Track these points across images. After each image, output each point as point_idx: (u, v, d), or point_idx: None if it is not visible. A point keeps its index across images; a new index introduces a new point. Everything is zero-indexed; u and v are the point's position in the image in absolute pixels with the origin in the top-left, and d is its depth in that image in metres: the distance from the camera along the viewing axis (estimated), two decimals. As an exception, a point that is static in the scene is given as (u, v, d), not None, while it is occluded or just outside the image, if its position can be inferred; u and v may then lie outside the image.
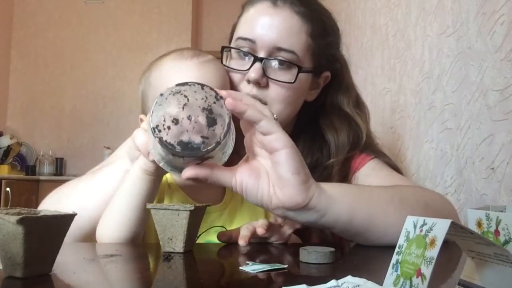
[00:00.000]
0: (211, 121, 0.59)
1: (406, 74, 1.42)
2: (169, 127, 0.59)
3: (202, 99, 0.60)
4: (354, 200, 0.70)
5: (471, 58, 0.97)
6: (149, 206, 0.67)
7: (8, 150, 4.63)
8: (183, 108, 0.59)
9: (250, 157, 0.67)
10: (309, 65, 0.90)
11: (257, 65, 0.85)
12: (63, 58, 5.09)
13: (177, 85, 0.61)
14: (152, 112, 0.59)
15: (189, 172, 0.61)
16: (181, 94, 0.60)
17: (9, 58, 5.08)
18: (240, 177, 0.64)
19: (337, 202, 0.67)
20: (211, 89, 0.61)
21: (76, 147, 5.00)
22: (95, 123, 5.03)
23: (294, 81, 0.86)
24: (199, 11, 5.52)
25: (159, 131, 0.58)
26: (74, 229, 0.55)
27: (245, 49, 0.88)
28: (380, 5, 1.78)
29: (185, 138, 0.59)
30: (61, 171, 4.82)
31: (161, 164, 0.65)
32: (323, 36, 0.91)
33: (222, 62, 0.92)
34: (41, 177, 4.51)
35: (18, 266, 0.46)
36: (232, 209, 0.88)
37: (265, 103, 0.87)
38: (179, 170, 0.64)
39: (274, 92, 0.87)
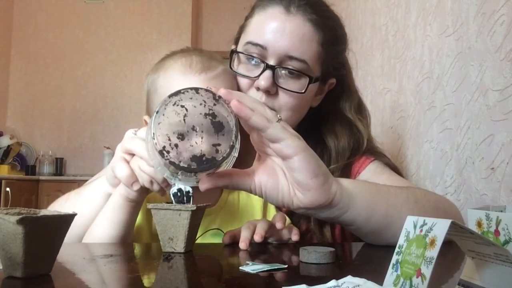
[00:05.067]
0: (218, 126, 0.56)
1: (406, 74, 1.42)
2: (176, 145, 0.55)
3: (201, 104, 0.56)
4: (373, 198, 0.69)
5: (471, 58, 0.97)
6: (149, 206, 0.66)
7: (8, 150, 4.63)
8: (184, 120, 0.56)
9: (262, 157, 0.65)
10: (317, 73, 0.89)
11: (268, 73, 0.84)
12: (63, 58, 5.09)
13: (170, 96, 0.56)
14: (153, 133, 0.55)
15: (208, 183, 0.60)
16: (177, 105, 0.56)
17: (9, 58, 5.08)
18: (259, 180, 0.63)
19: (357, 199, 0.67)
20: (207, 90, 0.57)
21: (76, 147, 5.01)
22: (95, 123, 5.03)
23: (305, 91, 0.86)
24: (199, 11, 5.52)
25: (167, 152, 0.55)
26: None
27: (254, 55, 0.86)
28: (380, 5, 1.78)
29: (197, 151, 0.55)
30: (61, 171, 4.82)
31: (173, 181, 0.62)
32: (333, 44, 0.91)
33: (230, 65, 0.91)
34: (41, 177, 4.51)
35: (18, 266, 0.46)
36: (228, 212, 0.87)
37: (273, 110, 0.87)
38: (193, 181, 0.61)
39: (283, 100, 0.86)
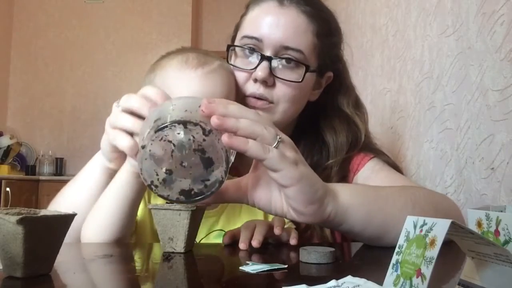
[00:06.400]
0: (207, 162, 0.54)
1: (406, 74, 1.42)
2: (164, 180, 0.55)
3: (190, 139, 0.53)
4: (370, 209, 0.69)
5: (471, 58, 0.97)
6: (149, 206, 0.67)
7: (8, 150, 4.63)
8: (171, 155, 0.54)
9: (258, 166, 0.65)
10: (314, 64, 0.90)
11: (264, 64, 0.85)
12: (63, 58, 5.09)
13: (156, 131, 0.53)
14: (141, 169, 0.55)
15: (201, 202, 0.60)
16: (164, 140, 0.54)
17: (9, 58, 5.07)
18: (251, 196, 0.64)
19: (353, 213, 0.66)
20: (195, 124, 0.53)
21: (76, 147, 5.00)
22: (95, 123, 5.02)
23: (302, 80, 0.86)
24: (199, 11, 5.52)
25: (156, 186, 0.55)
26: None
27: (251, 47, 0.87)
28: (380, 5, 1.78)
29: (185, 186, 0.55)
30: (61, 171, 4.82)
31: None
32: (328, 36, 0.92)
33: (227, 61, 0.91)
34: (41, 177, 4.51)
35: (18, 266, 0.46)
36: (230, 213, 0.87)
37: (271, 102, 0.87)
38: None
39: (281, 91, 0.87)
